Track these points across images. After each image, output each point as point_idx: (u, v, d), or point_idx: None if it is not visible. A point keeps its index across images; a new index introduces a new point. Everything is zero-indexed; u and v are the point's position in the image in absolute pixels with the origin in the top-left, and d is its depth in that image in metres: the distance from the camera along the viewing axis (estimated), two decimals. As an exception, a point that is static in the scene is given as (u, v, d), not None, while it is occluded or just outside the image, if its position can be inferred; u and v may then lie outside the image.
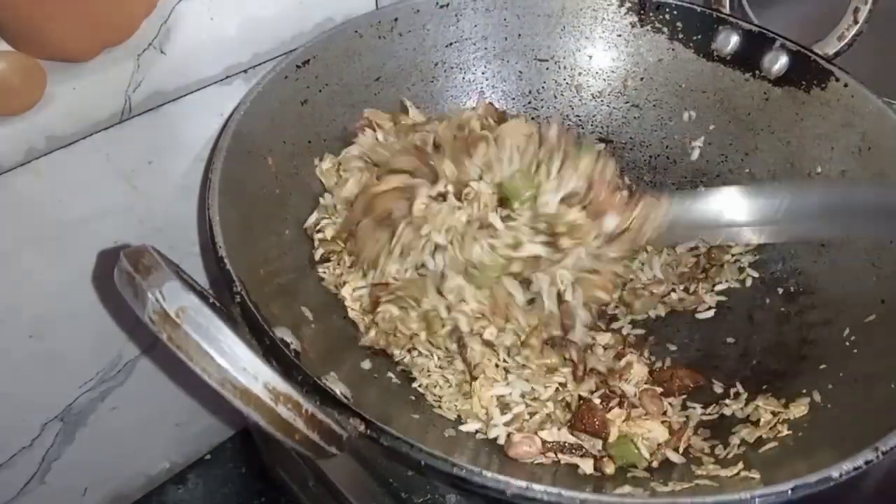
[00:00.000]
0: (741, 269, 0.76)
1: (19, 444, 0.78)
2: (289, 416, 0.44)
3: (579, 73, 0.86)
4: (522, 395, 0.63)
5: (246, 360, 0.42)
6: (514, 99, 0.86)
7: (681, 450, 0.60)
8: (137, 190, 0.72)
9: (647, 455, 0.59)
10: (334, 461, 0.49)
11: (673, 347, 0.71)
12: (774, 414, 0.61)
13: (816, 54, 0.76)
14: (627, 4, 0.83)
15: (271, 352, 0.51)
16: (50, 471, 0.82)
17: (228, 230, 0.57)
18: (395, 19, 0.79)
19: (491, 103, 0.83)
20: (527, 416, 0.62)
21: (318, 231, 0.72)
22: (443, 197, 0.67)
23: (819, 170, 0.75)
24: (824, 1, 0.83)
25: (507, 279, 0.66)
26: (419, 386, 0.64)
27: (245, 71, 0.72)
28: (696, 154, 0.83)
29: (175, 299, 0.42)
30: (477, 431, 0.61)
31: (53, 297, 0.71)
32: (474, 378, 0.63)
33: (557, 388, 0.64)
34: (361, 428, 0.47)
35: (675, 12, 0.82)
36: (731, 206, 0.73)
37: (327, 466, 0.70)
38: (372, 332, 0.66)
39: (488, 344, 0.65)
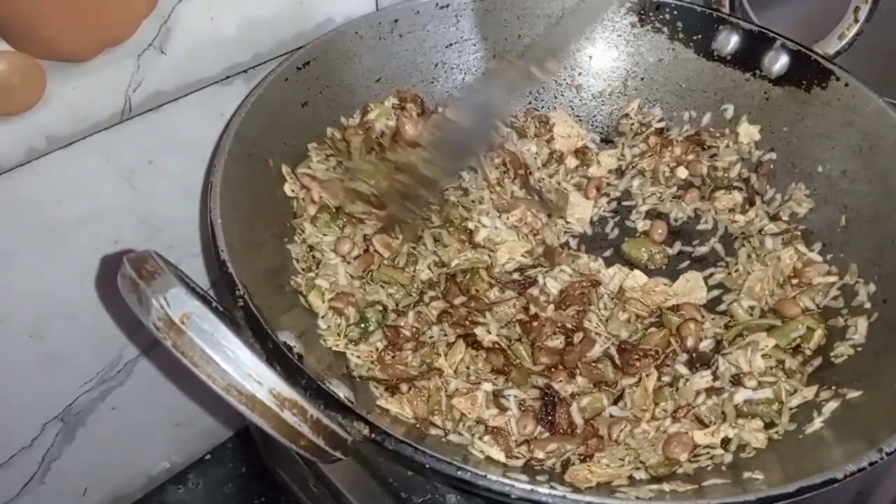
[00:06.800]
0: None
1: (19, 444, 0.78)
2: (294, 421, 0.43)
3: (579, 73, 0.86)
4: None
5: (251, 366, 0.42)
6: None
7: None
8: (137, 190, 0.71)
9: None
10: (334, 461, 0.49)
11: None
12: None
13: (817, 54, 0.76)
14: (627, 4, 0.83)
15: (274, 356, 0.50)
16: (50, 471, 0.82)
17: (230, 233, 0.57)
18: (396, 20, 0.78)
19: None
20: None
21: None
22: None
23: (820, 169, 0.75)
24: (824, 1, 0.83)
25: None
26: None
27: (245, 71, 0.72)
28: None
29: (179, 305, 0.42)
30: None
31: (53, 297, 0.71)
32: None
33: None
34: (366, 431, 0.47)
35: (675, 12, 0.82)
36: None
37: (327, 466, 0.69)
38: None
39: None
